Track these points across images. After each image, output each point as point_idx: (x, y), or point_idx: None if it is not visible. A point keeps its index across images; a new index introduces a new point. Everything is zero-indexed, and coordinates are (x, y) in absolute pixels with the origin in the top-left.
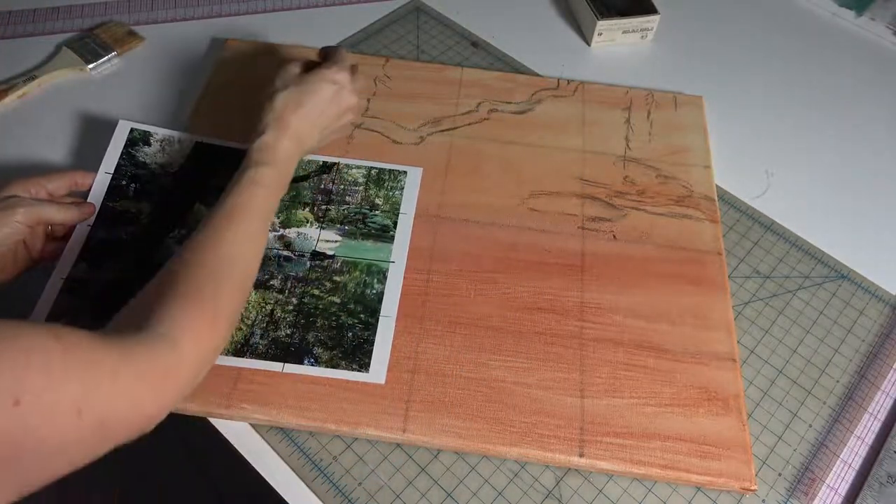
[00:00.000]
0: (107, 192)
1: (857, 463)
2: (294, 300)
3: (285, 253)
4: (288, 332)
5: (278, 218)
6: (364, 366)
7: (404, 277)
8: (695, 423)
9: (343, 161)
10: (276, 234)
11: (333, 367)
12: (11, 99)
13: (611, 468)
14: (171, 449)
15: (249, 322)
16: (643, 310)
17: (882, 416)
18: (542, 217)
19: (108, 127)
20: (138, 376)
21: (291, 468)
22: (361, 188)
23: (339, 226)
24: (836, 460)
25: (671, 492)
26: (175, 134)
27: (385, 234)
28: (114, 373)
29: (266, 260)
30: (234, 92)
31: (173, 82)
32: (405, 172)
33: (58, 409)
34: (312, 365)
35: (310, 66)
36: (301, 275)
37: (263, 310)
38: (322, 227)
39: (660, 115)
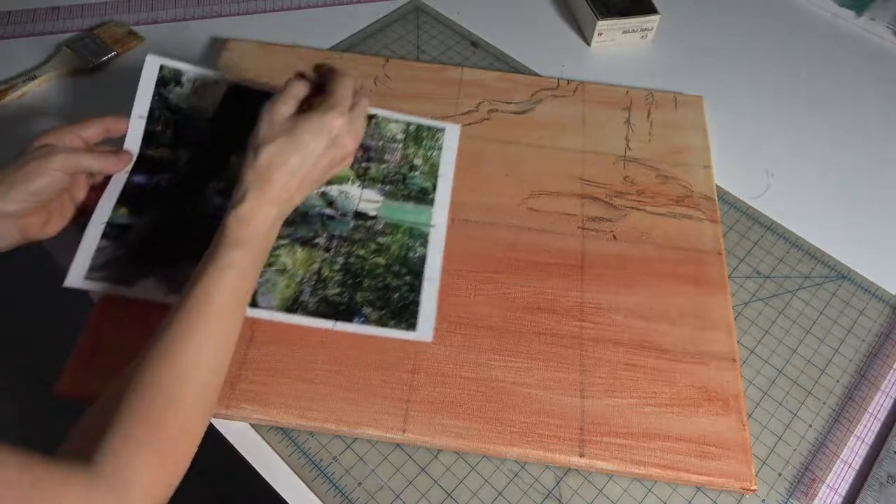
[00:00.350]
0: (143, 139)
1: (857, 463)
2: (340, 259)
3: (328, 211)
4: (336, 290)
5: None
6: (411, 325)
7: None
8: (695, 423)
9: (381, 113)
10: (318, 190)
11: (382, 325)
12: (11, 99)
13: (611, 468)
14: None
15: (298, 279)
16: (643, 310)
17: (882, 416)
18: (542, 217)
19: None
20: None
21: (291, 468)
22: (400, 146)
23: (380, 185)
24: (836, 460)
25: (671, 492)
26: (206, 73)
27: (425, 197)
28: None
29: (309, 217)
30: None
31: None
32: (443, 130)
33: None
34: (362, 323)
35: (311, 95)
36: (345, 235)
37: (311, 268)
38: (363, 186)
39: (660, 115)
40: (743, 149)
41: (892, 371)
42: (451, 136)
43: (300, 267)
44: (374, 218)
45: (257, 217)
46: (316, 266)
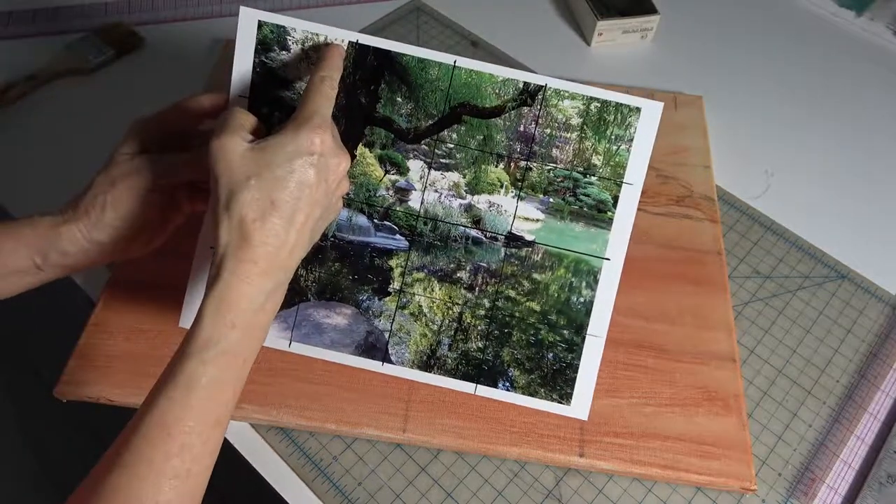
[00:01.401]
0: None
1: (857, 463)
2: (486, 302)
3: (474, 233)
4: (479, 344)
5: (464, 177)
6: (565, 396)
7: None
8: (695, 423)
9: (553, 84)
10: (463, 202)
11: (531, 394)
12: (12, 99)
13: (611, 468)
14: None
15: (435, 328)
16: (643, 310)
17: (882, 416)
18: None
19: (109, 127)
20: None
21: (291, 468)
22: (575, 135)
23: (541, 196)
24: (836, 460)
25: (671, 492)
26: (319, 30)
27: (600, 216)
28: None
29: (451, 241)
30: None
31: (173, 82)
32: (637, 111)
33: None
34: (507, 390)
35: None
36: (494, 267)
37: (451, 312)
38: (520, 197)
39: None
40: (743, 149)
41: (892, 371)
42: (649, 120)
43: (438, 311)
44: (530, 244)
45: (244, 296)
46: (457, 310)
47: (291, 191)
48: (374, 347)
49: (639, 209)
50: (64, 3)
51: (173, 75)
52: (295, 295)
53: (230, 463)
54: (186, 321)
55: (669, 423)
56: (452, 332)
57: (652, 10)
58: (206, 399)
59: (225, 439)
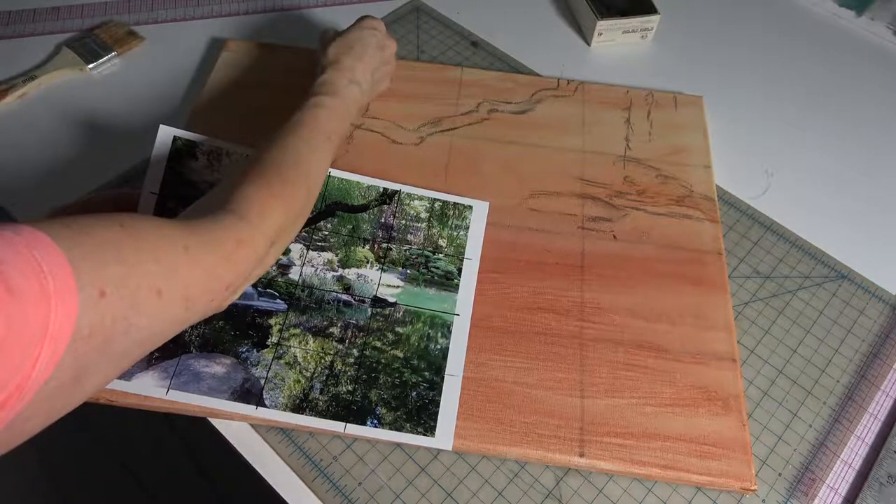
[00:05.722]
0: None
1: (857, 463)
2: (355, 352)
3: (345, 297)
4: (349, 388)
5: (337, 255)
6: (430, 429)
7: None
8: (695, 424)
9: (405, 189)
10: (335, 274)
11: (397, 429)
12: (11, 99)
13: (611, 468)
14: (172, 449)
15: (308, 374)
16: (643, 310)
17: (882, 416)
18: (542, 217)
19: (108, 127)
20: (210, 246)
21: (291, 468)
22: (424, 225)
23: (400, 269)
24: (836, 460)
25: (671, 492)
26: (223, 145)
27: (449, 283)
28: (185, 247)
29: (325, 304)
30: (234, 92)
31: (173, 82)
32: (470, 208)
33: (140, 293)
34: (375, 426)
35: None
36: (362, 323)
37: (323, 361)
38: (383, 270)
39: (660, 115)
40: (743, 149)
41: (892, 371)
42: (479, 214)
43: (311, 360)
44: (392, 305)
45: (337, 82)
46: (328, 359)
47: (361, 44)
48: (249, 393)
49: (639, 209)
50: (64, 3)
51: (173, 75)
52: (179, 347)
53: (230, 463)
54: None
55: (669, 423)
56: (324, 378)
57: (652, 10)
58: (326, 117)
59: (225, 439)
